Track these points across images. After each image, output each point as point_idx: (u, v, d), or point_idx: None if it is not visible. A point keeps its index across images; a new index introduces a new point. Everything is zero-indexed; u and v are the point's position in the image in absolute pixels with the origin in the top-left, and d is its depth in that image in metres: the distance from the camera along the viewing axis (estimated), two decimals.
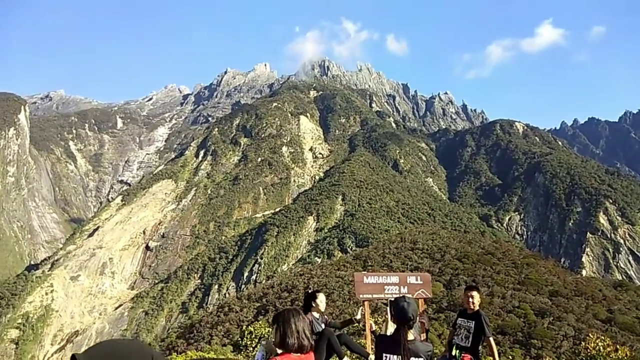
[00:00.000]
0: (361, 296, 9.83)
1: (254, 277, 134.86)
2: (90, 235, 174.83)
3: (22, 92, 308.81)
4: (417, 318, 5.90)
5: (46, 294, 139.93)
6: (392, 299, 6.06)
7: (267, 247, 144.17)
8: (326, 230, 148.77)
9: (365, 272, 10.82)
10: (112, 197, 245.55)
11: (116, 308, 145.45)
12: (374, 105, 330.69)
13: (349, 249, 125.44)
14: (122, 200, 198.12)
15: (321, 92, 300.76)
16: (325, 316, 8.73)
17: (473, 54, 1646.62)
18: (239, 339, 25.75)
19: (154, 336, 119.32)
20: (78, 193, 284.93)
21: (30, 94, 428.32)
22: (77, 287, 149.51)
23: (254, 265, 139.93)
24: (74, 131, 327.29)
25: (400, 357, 5.44)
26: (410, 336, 5.54)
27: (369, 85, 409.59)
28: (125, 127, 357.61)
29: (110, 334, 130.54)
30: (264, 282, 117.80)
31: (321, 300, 8.51)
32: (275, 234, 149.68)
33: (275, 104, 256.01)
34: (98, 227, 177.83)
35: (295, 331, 4.32)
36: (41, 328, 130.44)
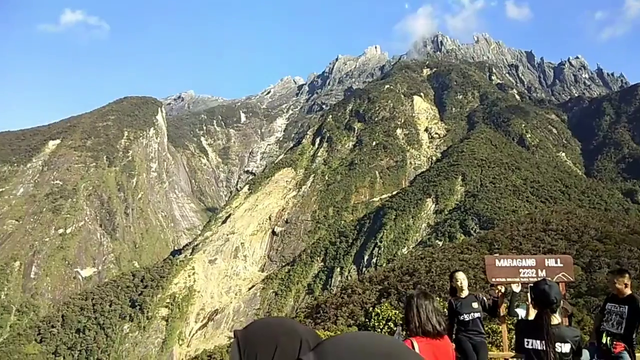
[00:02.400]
0: (493, 280, 9.44)
1: (374, 260, 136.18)
2: (224, 222, 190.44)
3: (158, 95, 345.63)
4: (561, 302, 5.63)
5: (189, 276, 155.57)
6: (532, 284, 5.86)
7: (385, 231, 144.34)
8: (446, 212, 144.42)
9: (497, 255, 10.37)
10: (240, 187, 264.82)
11: (249, 289, 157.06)
12: (494, 77, 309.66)
13: (472, 232, 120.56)
14: (248, 189, 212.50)
15: (435, 70, 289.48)
16: (483, 296, 8.39)
17: (607, 10, 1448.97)
18: (366, 320, 26.41)
19: (284, 315, 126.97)
20: (211, 184, 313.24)
21: (165, 96, 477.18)
22: (214, 269, 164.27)
23: (373, 249, 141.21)
24: (204, 127, 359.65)
25: (543, 342, 5.26)
26: (555, 320, 5.32)
27: (488, 57, 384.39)
28: (248, 121, 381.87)
29: (245, 313, 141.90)
30: (384, 265, 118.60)
31: (458, 278, 8.11)
32: (394, 217, 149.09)
33: (387, 86, 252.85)
34: (230, 215, 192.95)
35: (432, 313, 4.36)
36: (186, 307, 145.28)
